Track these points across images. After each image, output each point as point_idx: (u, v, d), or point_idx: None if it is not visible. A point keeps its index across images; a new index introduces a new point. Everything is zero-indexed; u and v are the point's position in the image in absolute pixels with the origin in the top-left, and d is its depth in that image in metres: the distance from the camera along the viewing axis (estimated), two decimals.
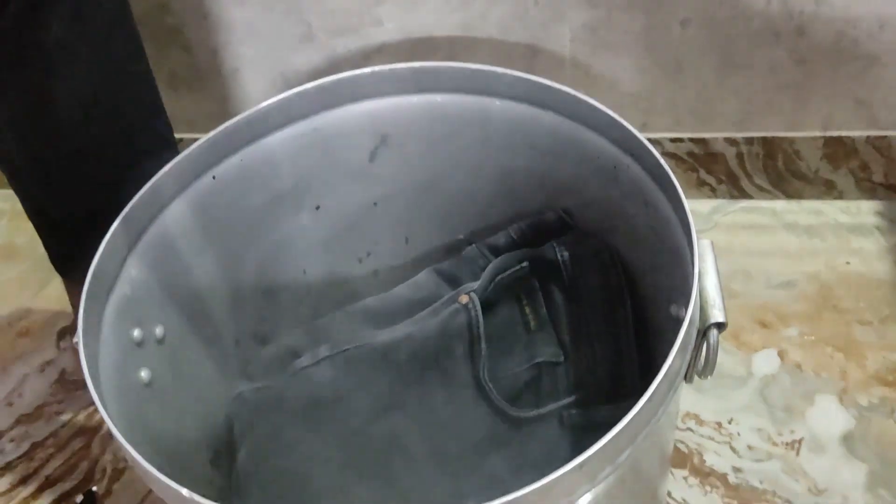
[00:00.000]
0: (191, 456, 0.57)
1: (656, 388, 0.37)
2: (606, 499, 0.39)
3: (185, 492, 0.36)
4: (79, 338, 0.44)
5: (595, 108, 0.52)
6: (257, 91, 0.90)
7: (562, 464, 0.34)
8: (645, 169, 0.50)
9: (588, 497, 0.37)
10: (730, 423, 0.73)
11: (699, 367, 0.43)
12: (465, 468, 0.55)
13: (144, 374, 0.51)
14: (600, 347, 0.56)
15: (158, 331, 0.53)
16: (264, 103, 0.56)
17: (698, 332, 0.42)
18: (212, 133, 0.55)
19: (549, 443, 0.55)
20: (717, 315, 0.41)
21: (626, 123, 0.50)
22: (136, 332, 0.51)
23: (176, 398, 0.55)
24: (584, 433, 0.55)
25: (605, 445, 0.35)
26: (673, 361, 0.37)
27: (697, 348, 0.42)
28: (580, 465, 0.34)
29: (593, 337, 0.57)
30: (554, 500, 0.35)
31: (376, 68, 0.57)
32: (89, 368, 0.43)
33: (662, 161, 0.47)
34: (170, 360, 0.54)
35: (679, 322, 0.46)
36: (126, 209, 0.49)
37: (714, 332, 0.41)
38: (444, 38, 0.83)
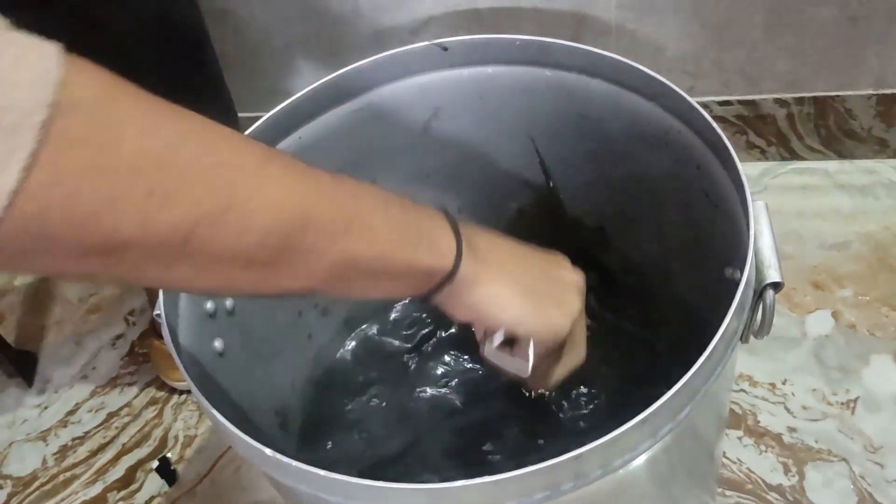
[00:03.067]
0: (260, 420, 0.60)
1: (714, 346, 0.38)
2: (665, 455, 0.41)
3: (268, 451, 0.39)
4: (161, 310, 0.46)
5: (645, 75, 0.52)
6: (308, 68, 0.92)
7: None
8: (696, 133, 0.50)
9: (649, 453, 0.38)
10: (784, 384, 0.74)
11: (755, 327, 0.44)
12: None
13: (218, 343, 0.54)
14: None
15: (229, 303, 0.56)
16: (320, 81, 0.58)
17: (754, 292, 0.43)
18: (271, 112, 0.57)
19: None
20: (772, 275, 0.42)
21: (676, 88, 0.50)
22: (209, 305, 0.53)
23: (246, 366, 0.58)
24: None
25: (666, 401, 0.36)
26: (730, 322, 0.38)
27: (753, 309, 0.43)
28: (643, 421, 0.36)
29: None
30: (619, 455, 0.37)
31: (427, 43, 0.58)
32: (171, 339, 0.46)
33: (714, 124, 0.47)
34: (239, 331, 0.57)
35: (735, 284, 0.47)
36: None
37: (770, 292, 0.42)
38: (488, 8, 0.83)
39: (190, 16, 0.64)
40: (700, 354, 0.40)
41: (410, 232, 0.38)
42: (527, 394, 0.62)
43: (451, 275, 0.39)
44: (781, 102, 0.86)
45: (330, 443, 0.67)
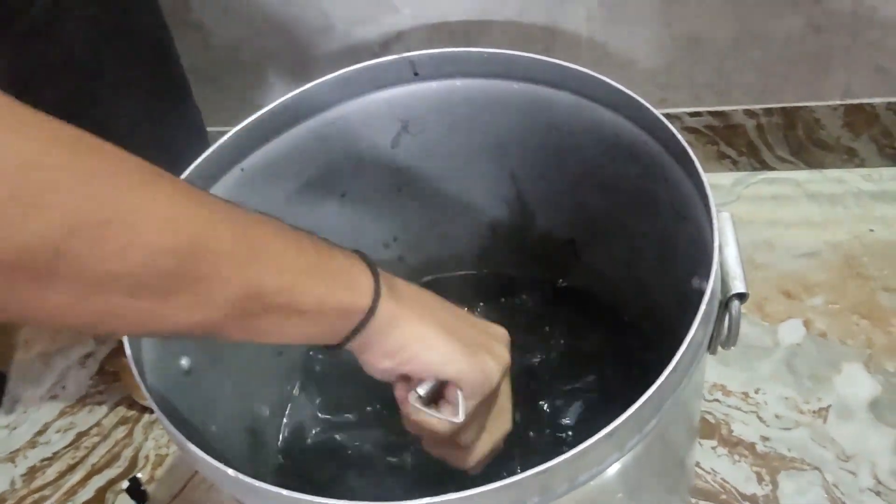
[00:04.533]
0: (231, 439, 0.59)
1: (680, 357, 0.38)
2: (635, 467, 0.41)
3: (230, 472, 0.38)
4: None
5: (611, 87, 0.52)
6: (278, 82, 0.92)
7: None
8: (663, 145, 0.51)
9: (617, 466, 0.38)
10: (756, 392, 0.74)
11: (722, 338, 0.44)
12: None
13: (184, 361, 0.53)
14: None
15: None
16: (288, 95, 0.58)
17: (720, 303, 0.43)
18: (239, 126, 0.56)
19: None
20: (737, 286, 0.42)
21: (642, 101, 0.50)
22: None
23: (215, 384, 0.57)
24: None
25: (632, 414, 0.36)
26: (696, 332, 0.38)
27: (720, 319, 0.43)
28: (609, 434, 0.35)
29: None
30: (585, 469, 0.37)
31: (395, 56, 0.58)
32: (134, 359, 0.45)
33: (680, 136, 0.47)
34: (208, 348, 0.56)
35: (701, 294, 0.47)
36: None
37: (735, 302, 0.42)
38: (460, 22, 0.83)
39: (154, 30, 0.63)
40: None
41: (323, 265, 0.35)
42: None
43: (369, 314, 0.36)
44: (751, 113, 0.87)
45: (304, 460, 0.66)
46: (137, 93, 0.62)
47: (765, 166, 0.92)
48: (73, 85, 0.58)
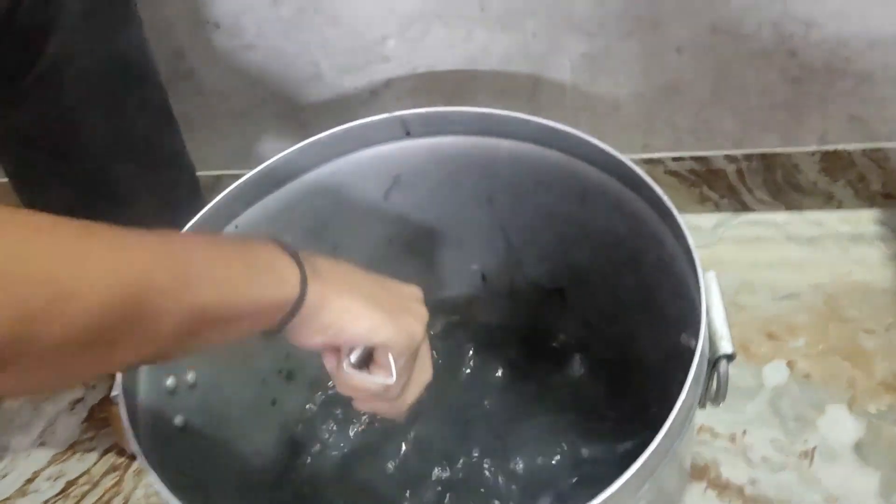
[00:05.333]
0: (225, 491, 0.59)
1: (672, 422, 0.39)
2: None
3: None
4: (118, 390, 0.46)
5: (597, 148, 0.54)
6: (269, 129, 0.93)
7: None
8: (649, 203, 0.52)
9: None
10: (743, 434, 0.76)
11: (711, 395, 0.45)
12: None
13: (179, 419, 0.53)
14: None
15: (190, 377, 0.56)
16: (282, 154, 0.59)
17: (708, 362, 0.44)
18: (233, 186, 0.57)
19: None
20: (725, 347, 0.44)
21: (627, 161, 0.52)
22: (170, 381, 0.53)
23: (209, 439, 0.57)
24: None
25: (627, 481, 0.37)
26: (687, 395, 0.40)
27: (709, 378, 0.44)
28: (606, 501, 0.36)
29: None
30: None
31: (387, 115, 0.59)
32: (129, 420, 0.46)
33: (665, 197, 0.49)
34: (201, 405, 0.57)
35: (689, 350, 0.48)
36: None
37: (724, 362, 0.44)
38: (448, 72, 0.85)
39: (152, 88, 0.64)
40: (659, 416, 0.41)
41: (251, 269, 0.37)
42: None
43: (299, 301, 0.39)
44: (731, 158, 0.89)
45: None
46: (133, 147, 0.63)
47: (745, 208, 0.94)
48: (70, 142, 0.59)
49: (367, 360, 0.44)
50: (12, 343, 0.26)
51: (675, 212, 0.48)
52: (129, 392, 0.48)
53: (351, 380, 0.43)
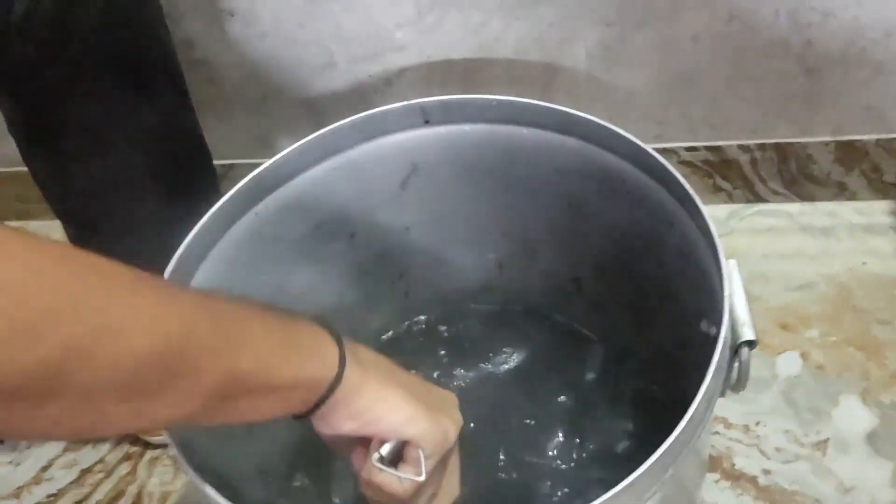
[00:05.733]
0: (243, 481, 0.59)
1: (696, 408, 0.39)
2: None
3: None
4: None
5: (616, 134, 0.54)
6: (283, 117, 0.93)
7: None
8: (669, 192, 0.52)
9: None
10: (757, 425, 0.76)
11: (731, 382, 0.45)
12: None
13: None
14: None
15: None
16: (301, 141, 0.59)
17: (730, 350, 0.44)
18: (252, 174, 0.57)
19: None
20: (747, 333, 0.44)
21: (649, 149, 0.52)
22: None
23: (228, 428, 0.57)
24: None
25: (650, 466, 0.37)
26: (710, 382, 0.40)
27: (730, 365, 0.44)
28: (630, 485, 0.37)
29: None
30: None
31: (407, 103, 0.59)
32: None
33: (686, 185, 0.49)
34: None
35: (709, 338, 0.48)
36: (175, 258, 0.51)
37: (745, 349, 0.44)
38: (462, 60, 0.85)
39: (165, 62, 0.64)
40: (681, 403, 0.41)
41: (292, 342, 0.37)
42: None
43: (336, 381, 0.38)
44: (745, 148, 0.89)
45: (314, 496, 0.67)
46: (152, 144, 0.63)
47: (759, 199, 0.94)
48: (87, 138, 0.59)
49: (395, 462, 0.42)
50: (54, 376, 0.26)
51: (697, 200, 0.48)
52: None
53: (377, 476, 0.41)
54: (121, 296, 0.29)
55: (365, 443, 0.43)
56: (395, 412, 0.40)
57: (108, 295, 0.28)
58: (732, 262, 0.46)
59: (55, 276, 0.27)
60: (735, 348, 0.44)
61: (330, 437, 0.41)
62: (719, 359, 0.41)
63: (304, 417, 0.39)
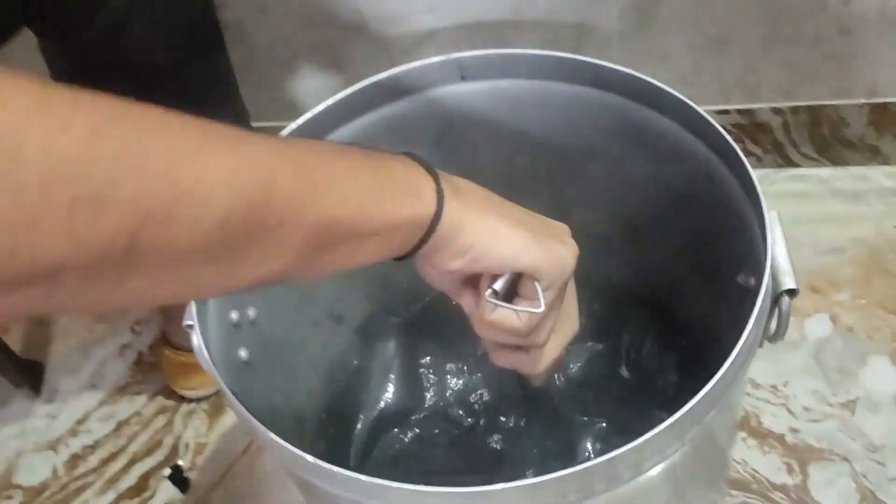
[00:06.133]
0: (280, 428, 0.61)
1: (737, 354, 0.40)
2: (689, 457, 0.42)
3: (309, 458, 0.40)
4: (192, 320, 0.47)
5: (657, 88, 0.54)
6: (312, 78, 0.94)
7: None
8: (708, 146, 0.52)
9: (677, 455, 0.40)
10: (785, 385, 0.76)
11: (769, 333, 0.46)
12: None
13: (243, 353, 0.55)
14: None
15: (251, 312, 0.57)
16: (338, 96, 0.59)
17: (771, 299, 0.45)
18: (289, 128, 0.58)
19: None
20: (788, 282, 0.44)
21: (690, 102, 0.52)
22: (234, 314, 0.55)
23: (268, 375, 0.59)
24: None
25: (692, 407, 0.38)
26: (751, 329, 0.40)
27: (770, 315, 0.45)
28: (672, 425, 0.37)
29: None
30: (648, 458, 0.39)
31: (443, 57, 0.59)
32: (207, 347, 0.47)
33: (728, 137, 0.49)
34: (261, 341, 0.58)
35: (747, 290, 0.49)
36: None
37: (786, 298, 0.44)
38: (492, 21, 0.85)
39: (212, 38, 0.65)
40: (714, 358, 0.42)
41: (384, 180, 0.34)
42: (524, 389, 0.63)
43: (436, 218, 0.35)
44: (777, 111, 0.88)
45: (341, 447, 0.68)
46: (193, 98, 0.63)
47: (789, 163, 0.93)
48: (131, 88, 0.60)
49: (509, 298, 0.39)
50: (129, 244, 0.25)
51: (738, 151, 0.48)
52: (200, 323, 0.50)
53: (493, 313, 0.38)
54: (190, 152, 0.26)
55: (475, 282, 0.39)
56: (504, 242, 0.37)
57: (176, 153, 0.26)
58: (774, 213, 0.46)
59: (115, 139, 0.24)
60: (776, 298, 0.44)
61: (436, 279, 0.38)
62: (761, 307, 0.41)
63: (405, 259, 0.36)
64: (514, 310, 0.38)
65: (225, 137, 0.28)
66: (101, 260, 0.24)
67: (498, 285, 0.38)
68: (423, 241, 0.35)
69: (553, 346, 0.43)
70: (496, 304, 0.38)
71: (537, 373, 0.44)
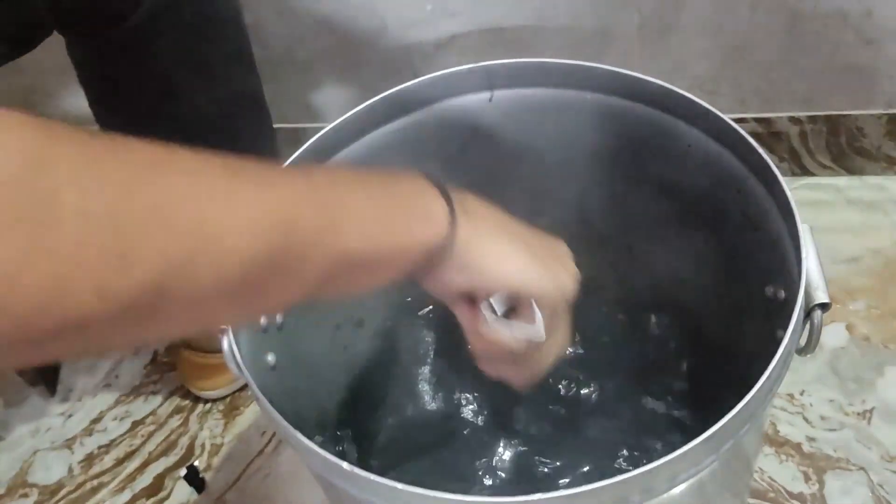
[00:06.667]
0: (303, 430, 0.61)
1: (774, 367, 0.40)
2: (723, 469, 0.43)
3: (345, 465, 0.40)
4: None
5: (686, 100, 0.54)
6: (331, 81, 0.94)
7: None
8: (740, 158, 0.53)
9: (714, 465, 0.40)
10: (801, 394, 0.76)
11: (800, 345, 0.46)
12: None
13: (271, 357, 0.55)
14: None
15: (279, 317, 0.57)
16: (363, 105, 0.59)
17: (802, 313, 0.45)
18: (314, 138, 0.58)
19: None
20: (821, 297, 0.44)
21: (719, 113, 0.52)
22: (263, 320, 0.55)
23: (293, 379, 0.59)
24: None
25: (729, 420, 0.38)
26: (788, 342, 0.40)
27: (801, 328, 0.45)
28: (708, 439, 0.38)
29: None
30: (684, 469, 0.39)
31: (472, 66, 0.59)
32: (238, 352, 0.47)
33: (760, 150, 0.49)
34: (287, 346, 0.58)
35: (773, 303, 0.49)
36: None
37: (818, 312, 0.44)
38: (514, 27, 0.85)
39: (237, 43, 0.65)
40: (739, 373, 0.42)
41: (398, 208, 0.35)
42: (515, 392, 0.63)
43: (447, 241, 0.36)
44: (795, 120, 0.88)
45: (360, 452, 0.68)
46: (216, 104, 0.64)
47: (805, 172, 0.94)
48: (154, 95, 0.60)
49: (506, 313, 0.40)
50: (155, 295, 0.25)
51: (772, 164, 0.48)
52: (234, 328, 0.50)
53: (492, 331, 0.39)
54: (215, 197, 0.27)
55: (471, 297, 0.40)
56: (508, 264, 0.38)
57: (201, 199, 0.26)
58: (806, 226, 0.46)
59: (147, 192, 0.25)
60: (808, 311, 0.45)
61: (436, 290, 0.39)
62: (797, 321, 0.41)
63: (417, 277, 0.37)
64: (515, 329, 0.39)
65: (250, 179, 0.29)
66: (126, 310, 0.24)
67: (496, 303, 0.39)
68: (434, 263, 0.36)
69: (545, 360, 0.43)
70: (497, 324, 0.39)
71: (524, 386, 0.45)
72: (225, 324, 0.32)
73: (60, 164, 0.22)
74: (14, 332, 0.22)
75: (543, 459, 0.62)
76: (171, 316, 0.26)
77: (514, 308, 0.40)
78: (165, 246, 0.25)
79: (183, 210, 0.26)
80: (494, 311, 0.39)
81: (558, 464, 0.61)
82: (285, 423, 0.43)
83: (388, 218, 0.34)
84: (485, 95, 0.62)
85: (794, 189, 0.93)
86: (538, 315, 0.39)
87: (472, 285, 0.38)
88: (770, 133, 0.90)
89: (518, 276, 0.38)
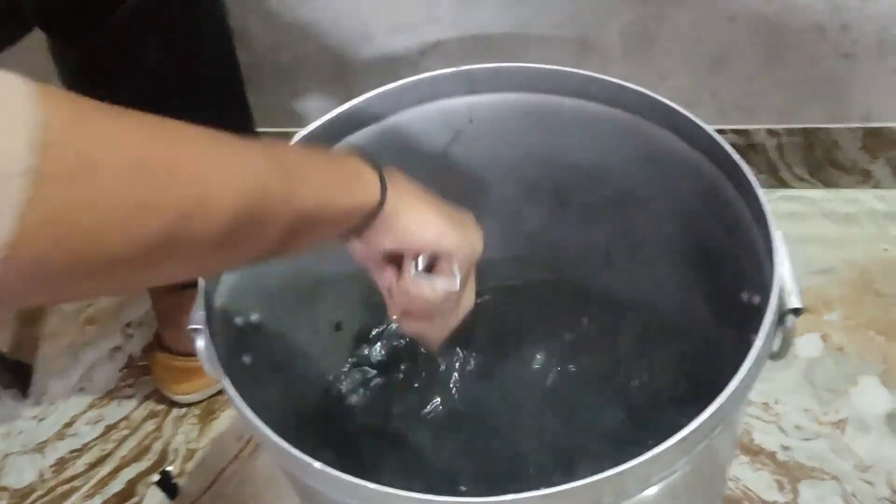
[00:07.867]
0: (280, 431, 0.60)
1: (745, 369, 0.40)
2: (695, 473, 0.43)
3: (317, 464, 0.40)
4: (200, 324, 0.47)
5: (666, 106, 0.55)
6: (315, 86, 0.94)
7: None
8: (716, 164, 0.53)
9: (686, 468, 0.40)
10: (776, 403, 0.77)
11: (773, 350, 0.46)
12: None
13: (247, 358, 0.55)
14: None
15: (255, 318, 0.57)
16: (346, 105, 0.59)
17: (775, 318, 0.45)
18: (297, 136, 0.58)
19: None
20: (794, 301, 0.44)
21: (700, 122, 0.53)
22: (239, 320, 0.54)
23: (268, 380, 0.59)
24: None
25: (703, 422, 0.38)
26: (762, 347, 0.41)
27: (774, 333, 0.45)
28: (682, 440, 0.38)
29: None
30: (656, 472, 0.39)
31: (454, 69, 0.60)
32: (214, 351, 0.47)
33: (737, 157, 0.50)
34: (263, 346, 0.58)
35: (749, 308, 0.50)
36: None
37: (791, 317, 0.45)
38: (498, 35, 0.86)
39: (221, 43, 0.65)
40: (716, 373, 0.42)
41: (342, 178, 0.41)
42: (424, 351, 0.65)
43: (380, 205, 0.43)
44: (772, 133, 0.89)
45: (338, 455, 0.68)
46: (202, 94, 0.63)
47: (782, 184, 0.95)
48: (137, 90, 0.60)
49: (430, 268, 0.46)
50: (171, 239, 0.30)
51: (748, 172, 0.49)
52: (205, 328, 0.49)
53: (415, 285, 0.46)
54: (209, 160, 0.32)
55: (395, 260, 0.47)
56: (430, 227, 0.45)
57: (205, 162, 0.32)
58: (780, 233, 0.47)
59: (164, 151, 0.30)
60: (781, 316, 0.45)
61: (364, 254, 0.46)
62: (770, 326, 0.42)
63: (349, 239, 0.44)
64: (435, 283, 0.46)
65: (232, 146, 0.34)
66: (146, 253, 0.29)
67: (421, 263, 0.46)
68: (369, 223, 0.43)
69: (454, 317, 0.50)
70: (421, 277, 0.46)
71: (438, 340, 0.52)
72: (208, 272, 0.39)
73: (96, 124, 0.27)
74: (65, 266, 0.26)
75: (522, 460, 0.62)
76: (175, 261, 0.31)
77: (432, 268, 0.47)
78: (179, 198, 0.30)
79: (193, 169, 0.31)
80: (419, 267, 0.46)
81: (531, 471, 0.61)
82: (257, 420, 0.42)
83: (335, 185, 0.40)
84: (466, 99, 0.62)
85: (771, 201, 0.94)
86: (455, 268, 0.46)
87: (398, 246, 0.45)
88: (748, 145, 0.91)
89: (437, 237, 0.45)
